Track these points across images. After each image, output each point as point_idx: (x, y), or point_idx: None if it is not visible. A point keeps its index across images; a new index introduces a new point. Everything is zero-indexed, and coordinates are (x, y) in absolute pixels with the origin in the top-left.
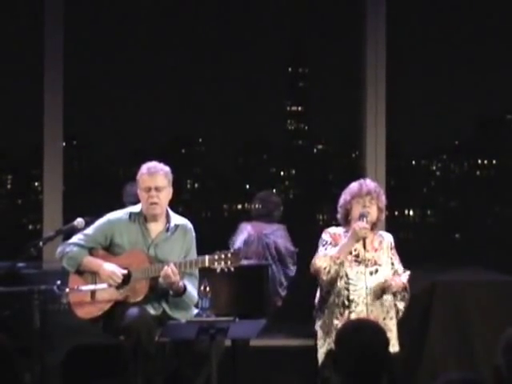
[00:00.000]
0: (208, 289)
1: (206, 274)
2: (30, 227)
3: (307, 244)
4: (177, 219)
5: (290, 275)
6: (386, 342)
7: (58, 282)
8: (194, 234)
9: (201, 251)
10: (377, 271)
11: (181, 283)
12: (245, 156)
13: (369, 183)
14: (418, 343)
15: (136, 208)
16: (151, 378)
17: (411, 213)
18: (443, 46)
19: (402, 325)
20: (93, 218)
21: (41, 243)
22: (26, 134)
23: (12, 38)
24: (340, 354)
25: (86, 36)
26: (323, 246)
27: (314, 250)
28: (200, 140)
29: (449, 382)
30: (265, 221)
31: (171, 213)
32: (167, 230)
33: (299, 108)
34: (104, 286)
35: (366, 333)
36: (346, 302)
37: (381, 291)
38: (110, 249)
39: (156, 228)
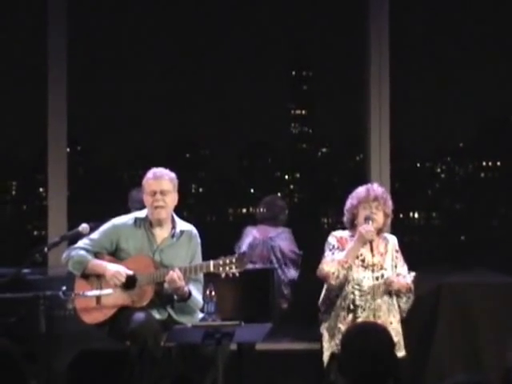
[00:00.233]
0: (213, 293)
1: (211, 278)
2: (35, 233)
3: (312, 247)
4: (182, 225)
5: (294, 278)
6: (392, 345)
7: (64, 288)
8: (199, 240)
9: (205, 255)
10: (382, 276)
11: (186, 288)
12: (249, 160)
13: (376, 188)
14: (424, 345)
15: (141, 213)
16: (157, 383)
17: (416, 215)
18: (447, 48)
19: (408, 327)
20: (97, 223)
21: (46, 249)
22: (30, 140)
23: (16, 44)
24: (345, 357)
25: (90, 40)
26: (330, 250)
27: (319, 253)
28: (204, 144)
29: (456, 383)
30: (270, 224)
31: (177, 218)
32: (172, 235)
33: (303, 111)
34: (109, 291)
35: (371, 336)
36: (352, 307)
37: (384, 290)
38: (115, 254)
39: (161, 233)
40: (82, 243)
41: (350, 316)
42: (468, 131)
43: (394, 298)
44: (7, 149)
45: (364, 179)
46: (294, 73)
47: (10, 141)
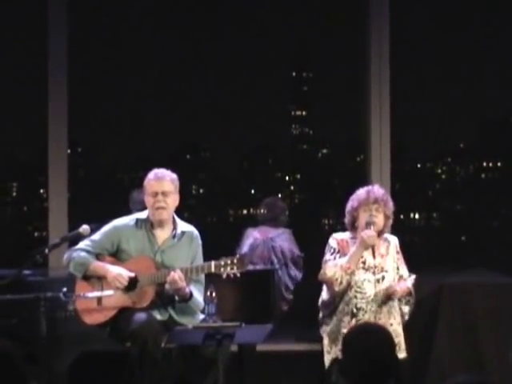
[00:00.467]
0: (214, 294)
1: (212, 279)
2: (36, 234)
3: (313, 248)
4: (183, 226)
5: (297, 279)
6: (393, 346)
7: (64, 289)
8: (200, 241)
9: (206, 256)
10: (383, 278)
11: (187, 289)
12: (249, 161)
13: (376, 191)
14: (425, 346)
15: (142, 214)
16: (158, 383)
17: (416, 216)
18: (448, 48)
19: (409, 328)
20: (98, 224)
21: (46, 250)
22: (30, 141)
23: (16, 45)
24: (346, 358)
25: (91, 42)
26: (331, 254)
27: (319, 254)
28: (205, 145)
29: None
30: (271, 225)
31: (178, 220)
32: (174, 236)
33: (303, 112)
34: (110, 292)
35: (372, 337)
36: (355, 310)
37: (385, 297)
38: (116, 255)
39: (162, 234)
40: (83, 244)
41: (353, 321)
42: (468, 132)
43: (396, 301)
44: (8, 150)
45: (364, 180)
46: (294, 74)
47: (11, 142)
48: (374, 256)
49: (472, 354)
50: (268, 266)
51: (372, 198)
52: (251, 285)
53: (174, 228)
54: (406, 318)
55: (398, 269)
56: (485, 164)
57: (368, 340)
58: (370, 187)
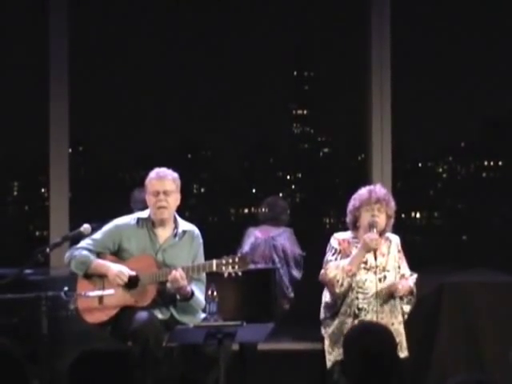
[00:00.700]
0: (215, 293)
1: (213, 278)
2: (37, 233)
3: (314, 248)
4: (184, 225)
5: (298, 278)
6: (394, 345)
7: (66, 288)
8: (201, 240)
9: (208, 255)
10: (385, 278)
11: (188, 288)
12: (251, 160)
13: (378, 190)
14: (427, 345)
15: (144, 213)
16: (159, 383)
17: (418, 215)
18: (449, 47)
19: (410, 327)
20: (99, 223)
21: (48, 249)
22: (32, 141)
23: (17, 45)
24: (348, 357)
25: (91, 42)
26: (332, 254)
27: (321, 253)
28: (206, 144)
29: (458, 383)
30: (272, 224)
31: (179, 219)
32: (175, 235)
33: (305, 111)
34: (111, 291)
35: (373, 336)
36: (356, 311)
37: (387, 295)
38: (118, 254)
39: (164, 233)
40: (84, 243)
41: (356, 322)
42: (469, 131)
43: (397, 300)
44: (9, 150)
45: (366, 179)
46: (295, 73)
47: (12, 142)
48: (375, 256)
49: (473, 354)
50: (269, 264)
51: (374, 198)
52: (252, 284)
53: (176, 227)
54: (406, 316)
55: (399, 268)
56: (486, 163)
57: (369, 340)
58: (371, 187)
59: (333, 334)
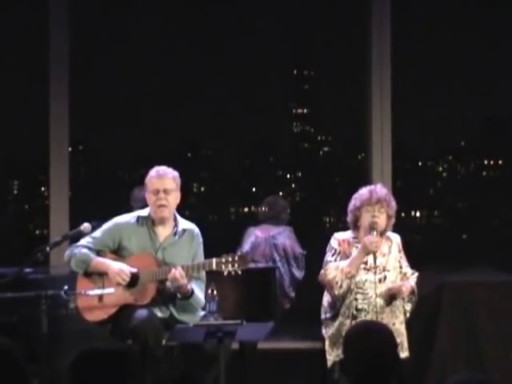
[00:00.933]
0: (215, 292)
1: (213, 277)
2: (37, 232)
3: (314, 246)
4: (184, 224)
5: (299, 277)
6: (394, 344)
7: (66, 287)
8: (201, 239)
9: (208, 254)
10: (385, 278)
11: (188, 286)
12: (251, 159)
13: (379, 191)
14: (427, 344)
15: (144, 212)
16: (159, 382)
17: (418, 214)
18: (449, 46)
19: (411, 326)
20: (99, 222)
21: (48, 248)
22: (32, 140)
23: (18, 44)
24: (348, 356)
25: (91, 41)
26: (332, 255)
27: (321, 252)
28: (206, 143)
29: (458, 382)
30: (272, 223)
31: (179, 217)
32: (175, 234)
33: (305, 110)
34: (111, 290)
35: (373, 335)
36: (355, 312)
37: (390, 297)
38: (117, 252)
39: (164, 232)
40: (84, 241)
41: (354, 323)
42: (469, 130)
43: (399, 300)
44: (9, 149)
45: (366, 178)
46: (295, 72)
47: (12, 141)
48: (374, 256)
49: (473, 353)
50: (270, 263)
51: (375, 198)
52: (252, 283)
53: (175, 225)
54: (408, 315)
55: (400, 267)
56: (486, 162)
57: (369, 339)
58: (372, 187)
59: (332, 335)
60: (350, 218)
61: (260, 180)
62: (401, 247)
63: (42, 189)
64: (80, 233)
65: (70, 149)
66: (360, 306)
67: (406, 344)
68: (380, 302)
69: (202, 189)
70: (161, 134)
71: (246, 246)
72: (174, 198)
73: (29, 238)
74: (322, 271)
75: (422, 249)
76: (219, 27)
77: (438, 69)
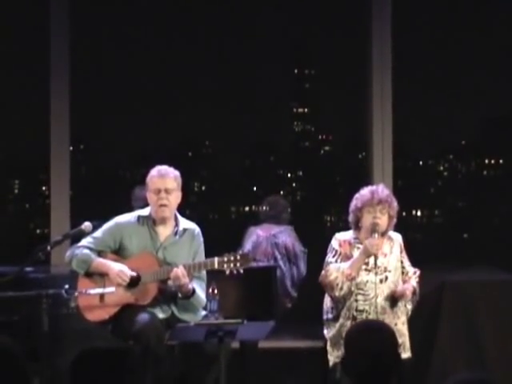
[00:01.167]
0: (216, 291)
1: (214, 276)
2: (38, 231)
3: (315, 245)
4: (185, 223)
5: (301, 275)
6: (395, 344)
7: (66, 286)
8: (201, 238)
9: (208, 253)
10: (386, 278)
11: (190, 286)
12: (251, 158)
13: (381, 192)
14: (427, 343)
15: (144, 211)
16: (160, 381)
17: (419, 213)
18: (450, 46)
19: (411, 325)
20: (100, 221)
21: (48, 247)
22: (32, 139)
23: (18, 43)
24: (348, 356)
25: (92, 40)
26: (333, 256)
27: (322, 251)
28: (207, 143)
29: (459, 382)
30: (273, 223)
31: (179, 217)
32: (175, 233)
33: (305, 109)
34: (112, 289)
35: (374, 335)
36: (355, 314)
37: (394, 301)
38: (118, 252)
39: (164, 231)
40: (85, 242)
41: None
42: (470, 129)
43: (400, 301)
44: (10, 148)
45: (366, 177)
46: (296, 71)
47: (13, 140)
48: (376, 257)
49: (473, 352)
50: (271, 262)
51: (376, 199)
52: (253, 282)
53: (176, 225)
54: (410, 313)
55: (403, 267)
56: (486, 161)
57: (370, 338)
58: (374, 187)
59: (333, 337)
60: (351, 218)
61: (261, 179)
62: (403, 247)
63: (43, 188)
64: (81, 232)
65: (70, 148)
66: (361, 307)
67: (408, 344)
68: (381, 302)
69: (203, 188)
70: (161, 133)
71: (248, 246)
72: (175, 198)
73: (29, 237)
74: (323, 272)
75: (422, 248)
76: (219, 26)
77: (438, 68)
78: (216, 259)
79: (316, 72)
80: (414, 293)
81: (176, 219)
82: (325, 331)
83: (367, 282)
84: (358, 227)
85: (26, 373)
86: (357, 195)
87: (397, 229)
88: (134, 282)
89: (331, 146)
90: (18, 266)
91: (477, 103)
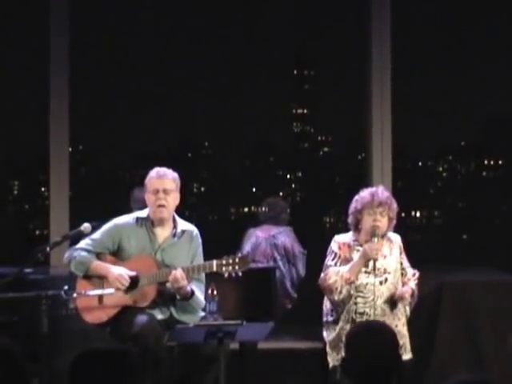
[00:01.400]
0: (215, 292)
1: (213, 277)
2: (37, 232)
3: (315, 246)
4: (183, 225)
5: (301, 276)
6: (396, 345)
7: (66, 287)
8: (200, 240)
9: (207, 254)
10: (386, 280)
11: (188, 288)
12: (251, 159)
13: (381, 194)
14: (426, 344)
15: (143, 213)
16: (159, 382)
17: (418, 214)
18: (449, 47)
19: (411, 326)
20: (99, 222)
21: (48, 248)
22: (32, 140)
23: (17, 44)
24: (349, 357)
25: (91, 40)
26: (332, 259)
27: (321, 252)
28: (206, 143)
29: (459, 382)
30: (272, 223)
31: (178, 218)
32: (174, 235)
33: (305, 110)
34: (111, 290)
35: (375, 336)
36: (354, 316)
37: (394, 302)
38: (117, 253)
39: (163, 233)
40: (83, 244)
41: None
42: (469, 130)
43: (400, 303)
44: (9, 149)
45: (366, 178)
46: (295, 72)
47: (12, 141)
48: (375, 260)
49: (473, 353)
50: (271, 263)
51: (376, 202)
52: (252, 283)
53: (174, 227)
54: (408, 314)
55: (402, 269)
56: (486, 162)
57: (371, 339)
58: (374, 189)
59: (332, 340)
60: (350, 220)
61: (260, 180)
62: (402, 248)
63: (42, 189)
64: (80, 233)
65: (70, 149)
66: (361, 310)
67: (408, 346)
68: (381, 304)
69: (202, 189)
70: (161, 134)
71: (247, 247)
72: (174, 199)
73: (29, 238)
74: (322, 275)
75: (422, 249)
76: (220, 28)
77: (438, 69)
78: (214, 262)
79: (315, 73)
80: (412, 295)
81: (174, 221)
82: (324, 334)
83: (367, 284)
84: (357, 229)
85: (26, 374)
86: (356, 197)
87: (396, 230)
88: (133, 284)
89: (330, 147)
90: (17, 267)
91: (476, 104)
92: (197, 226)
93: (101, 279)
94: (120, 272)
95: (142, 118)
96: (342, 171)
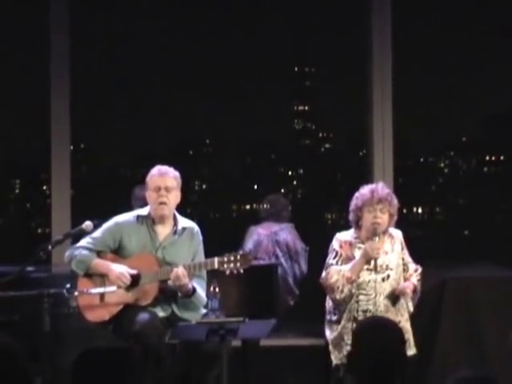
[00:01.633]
0: (217, 290)
1: (214, 274)
2: (39, 231)
3: (316, 243)
4: (184, 222)
5: (303, 273)
6: (401, 341)
7: (68, 286)
8: (201, 237)
9: (209, 252)
10: (388, 276)
11: (190, 285)
12: (252, 156)
13: (381, 190)
14: (429, 340)
15: (144, 211)
16: (162, 380)
17: (419, 210)
18: (450, 43)
19: (413, 322)
20: (101, 221)
21: (49, 247)
22: (33, 138)
23: (18, 42)
24: (354, 353)
25: (92, 39)
26: (334, 257)
27: (323, 249)
28: (207, 141)
29: (461, 379)
30: (273, 220)
31: (178, 216)
32: (174, 232)
33: (306, 107)
34: (113, 288)
35: (380, 332)
36: (356, 314)
37: (396, 297)
38: (118, 251)
39: (163, 231)
40: (84, 242)
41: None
42: (470, 126)
43: (402, 298)
44: (10, 148)
45: (367, 175)
46: (296, 69)
47: (14, 140)
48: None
49: (475, 349)
50: (273, 260)
51: (376, 198)
52: (254, 280)
53: (175, 224)
54: (411, 309)
55: (404, 264)
56: (487, 158)
57: (376, 336)
58: (374, 186)
59: (334, 338)
60: (351, 218)
61: (261, 177)
62: (404, 244)
63: (44, 187)
64: (82, 231)
65: (71, 147)
66: (364, 307)
67: (412, 341)
68: (383, 301)
69: (204, 186)
70: (162, 132)
71: (249, 245)
72: (175, 197)
73: (30, 236)
74: (324, 274)
75: (423, 245)
76: (220, 26)
77: (439, 65)
78: (216, 259)
79: (316, 70)
80: (414, 291)
81: (175, 218)
82: (327, 332)
83: (369, 281)
84: (358, 226)
85: (28, 372)
86: (357, 194)
87: (397, 226)
88: (134, 282)
89: (332, 144)
90: (19, 266)
91: (477, 100)
92: (198, 223)
93: (102, 277)
94: (121, 270)
95: (143, 116)
96: (343, 168)
